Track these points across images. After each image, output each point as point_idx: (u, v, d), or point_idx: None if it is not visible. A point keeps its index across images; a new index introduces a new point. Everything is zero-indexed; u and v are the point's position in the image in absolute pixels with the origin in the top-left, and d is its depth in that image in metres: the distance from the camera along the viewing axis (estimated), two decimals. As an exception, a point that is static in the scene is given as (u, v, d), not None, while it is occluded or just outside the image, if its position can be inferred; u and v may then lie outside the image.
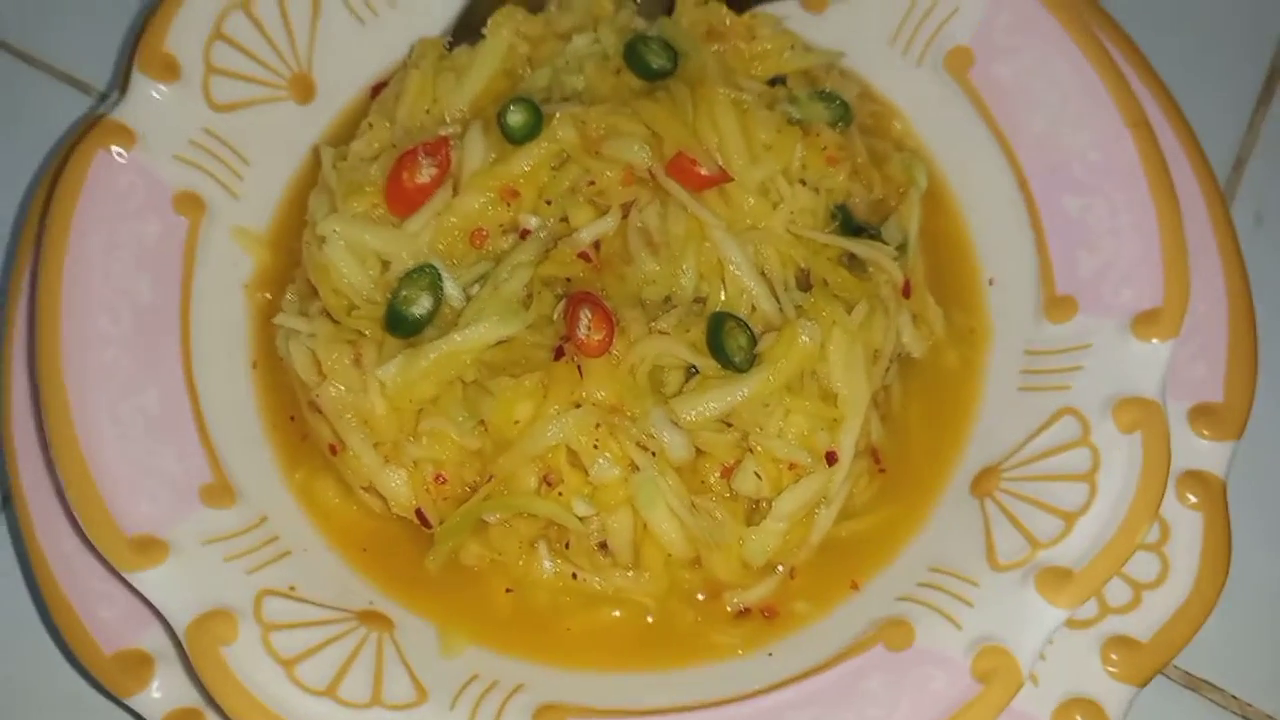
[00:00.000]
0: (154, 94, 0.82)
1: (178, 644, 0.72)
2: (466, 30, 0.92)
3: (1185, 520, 0.77)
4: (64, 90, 1.01)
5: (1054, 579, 0.69)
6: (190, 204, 0.84)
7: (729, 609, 0.79)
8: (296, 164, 0.91)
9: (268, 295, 0.87)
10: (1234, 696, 0.81)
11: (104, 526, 0.70)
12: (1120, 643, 0.73)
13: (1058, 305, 0.82)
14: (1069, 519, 0.71)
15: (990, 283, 0.87)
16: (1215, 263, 0.83)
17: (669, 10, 0.91)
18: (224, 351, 0.83)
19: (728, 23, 0.90)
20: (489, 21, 0.89)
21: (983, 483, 0.79)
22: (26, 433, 0.80)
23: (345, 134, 0.91)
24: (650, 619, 0.79)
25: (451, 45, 0.91)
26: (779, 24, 0.92)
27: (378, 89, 0.92)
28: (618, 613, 0.79)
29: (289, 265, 0.88)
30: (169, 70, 0.83)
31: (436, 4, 0.94)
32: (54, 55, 1.02)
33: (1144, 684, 0.73)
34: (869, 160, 0.87)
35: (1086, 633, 0.74)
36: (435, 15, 0.94)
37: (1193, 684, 0.82)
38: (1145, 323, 0.77)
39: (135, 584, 0.70)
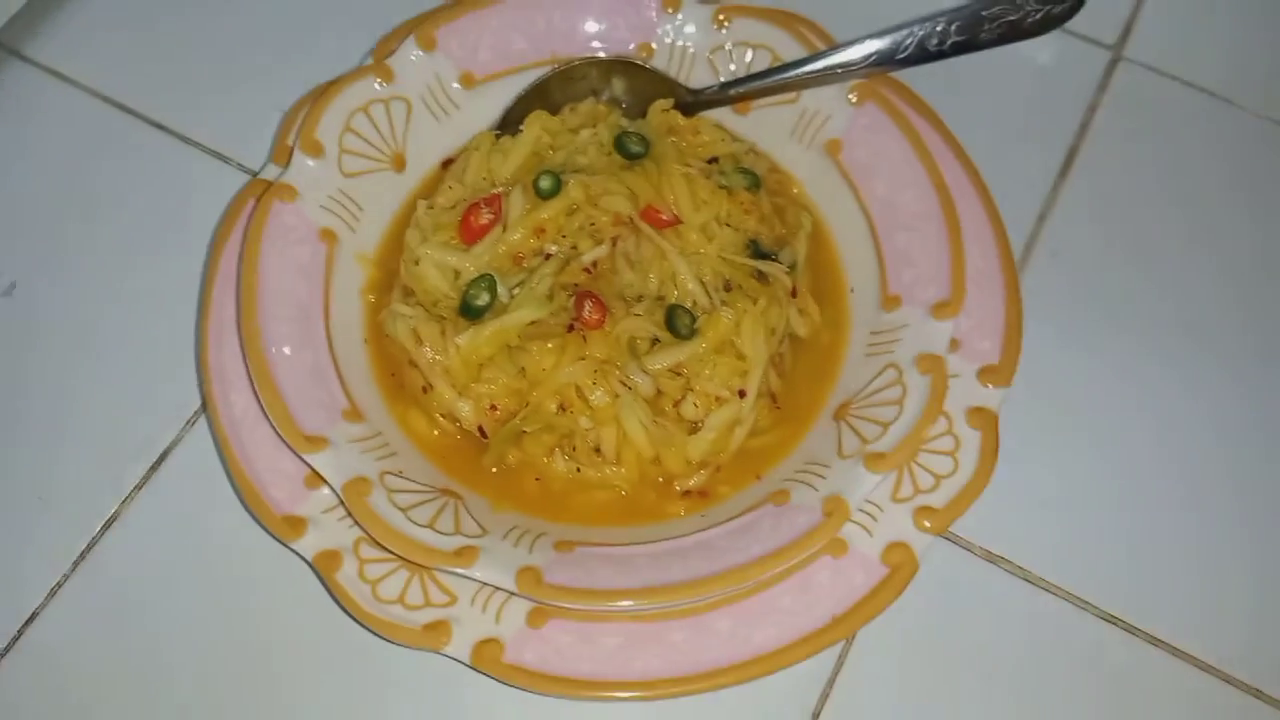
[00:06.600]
0: (308, 164, 0.93)
1: (322, 511, 0.84)
2: (508, 125, 1.01)
3: (970, 437, 0.88)
4: (211, 163, 1.09)
5: (874, 459, 0.82)
6: (328, 237, 0.94)
7: (678, 490, 0.88)
8: (394, 211, 1.00)
9: (372, 298, 0.96)
10: (1019, 565, 0.93)
11: (290, 428, 0.83)
12: (925, 510, 0.85)
13: (890, 301, 0.92)
14: (885, 426, 0.84)
15: (851, 290, 0.97)
16: (998, 275, 0.95)
17: (644, 114, 1.00)
18: (349, 331, 0.93)
19: (681, 123, 1.00)
20: (525, 121, 0.99)
21: (840, 411, 0.89)
22: (219, 366, 0.89)
23: (424, 193, 0.99)
24: (625, 495, 0.88)
25: (499, 135, 0.99)
26: (716, 123, 1.01)
27: (446, 163, 1.01)
28: (604, 494, 0.88)
29: (388, 277, 0.97)
30: (317, 150, 0.94)
31: (488, 109, 1.02)
32: (204, 136, 1.11)
33: (940, 533, 0.84)
34: (772, 211, 0.96)
35: (904, 505, 0.86)
36: (488, 115, 1.02)
37: (991, 558, 0.93)
38: (939, 309, 0.88)
39: (310, 462, 0.81)
